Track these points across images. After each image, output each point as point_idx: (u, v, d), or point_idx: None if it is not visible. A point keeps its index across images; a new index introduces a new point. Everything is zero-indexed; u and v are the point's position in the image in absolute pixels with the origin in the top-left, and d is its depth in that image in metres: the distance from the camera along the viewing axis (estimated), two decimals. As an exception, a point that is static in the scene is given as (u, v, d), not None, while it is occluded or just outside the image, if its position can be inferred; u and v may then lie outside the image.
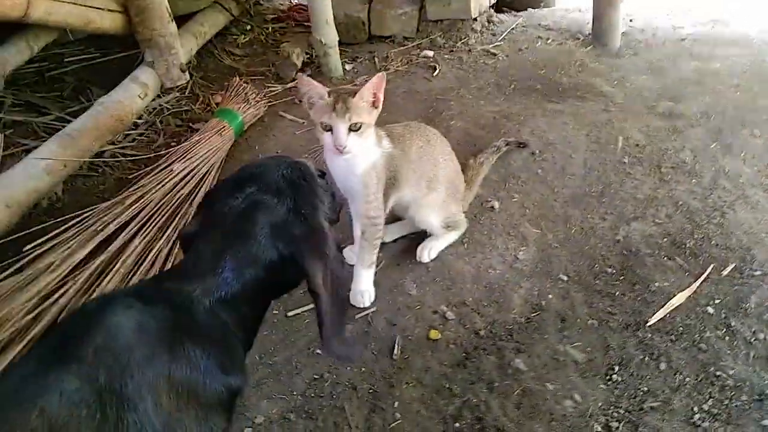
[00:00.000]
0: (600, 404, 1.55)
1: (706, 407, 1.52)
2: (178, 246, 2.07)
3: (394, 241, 2.12)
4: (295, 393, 1.65)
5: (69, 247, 1.84)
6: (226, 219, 1.04)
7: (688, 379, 1.59)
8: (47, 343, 0.92)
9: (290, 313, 1.87)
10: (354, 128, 1.66)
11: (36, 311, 1.66)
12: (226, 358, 0.95)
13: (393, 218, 2.10)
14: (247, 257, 1.01)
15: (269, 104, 3.09)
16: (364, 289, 1.89)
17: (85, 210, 2.08)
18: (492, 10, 3.77)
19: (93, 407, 0.79)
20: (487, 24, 3.65)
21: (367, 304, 1.88)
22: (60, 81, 3.28)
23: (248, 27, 3.95)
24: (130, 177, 2.48)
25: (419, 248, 2.03)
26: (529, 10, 3.98)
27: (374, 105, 1.72)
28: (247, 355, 1.07)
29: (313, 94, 1.69)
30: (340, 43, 3.32)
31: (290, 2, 4.59)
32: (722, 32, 3.44)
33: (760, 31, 3.34)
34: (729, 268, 1.88)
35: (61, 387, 0.80)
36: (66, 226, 1.98)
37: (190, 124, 2.97)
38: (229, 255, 1.00)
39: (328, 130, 1.67)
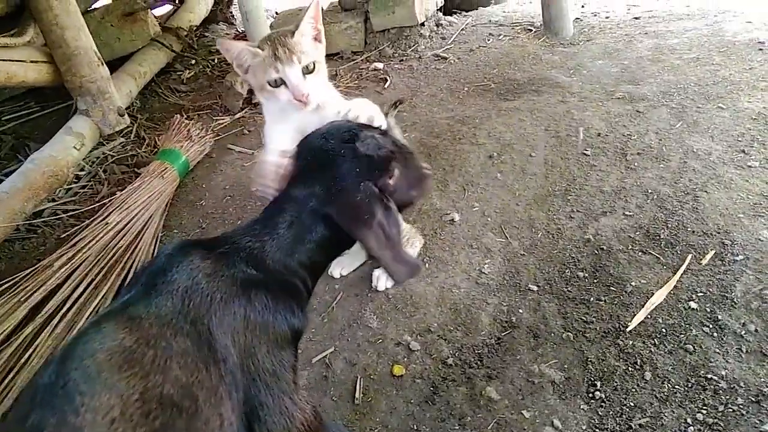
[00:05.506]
0: (583, 427, 1.39)
1: (700, 417, 1.36)
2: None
3: (354, 271, 1.96)
4: (249, 456, 1.48)
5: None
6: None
7: (677, 387, 1.43)
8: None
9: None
10: (308, 70, 1.43)
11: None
12: (293, 303, 1.05)
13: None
14: (300, 228, 1.11)
15: (217, 138, 2.94)
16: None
17: (5, 281, 1.90)
18: (440, 14, 3.64)
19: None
20: (435, 28, 3.53)
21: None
22: (-3, 141, 3.14)
23: (192, 61, 3.82)
24: (70, 235, 2.31)
25: (374, 275, 1.87)
26: (480, 9, 3.87)
27: (317, 39, 1.50)
28: (309, 302, 1.15)
29: (243, 55, 1.44)
30: (286, 66, 3.18)
31: (237, 31, 4.47)
32: (678, 6, 3.33)
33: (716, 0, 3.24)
34: (709, 256, 1.73)
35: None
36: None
37: (136, 170, 2.82)
38: (287, 222, 1.11)
39: (280, 85, 1.43)
